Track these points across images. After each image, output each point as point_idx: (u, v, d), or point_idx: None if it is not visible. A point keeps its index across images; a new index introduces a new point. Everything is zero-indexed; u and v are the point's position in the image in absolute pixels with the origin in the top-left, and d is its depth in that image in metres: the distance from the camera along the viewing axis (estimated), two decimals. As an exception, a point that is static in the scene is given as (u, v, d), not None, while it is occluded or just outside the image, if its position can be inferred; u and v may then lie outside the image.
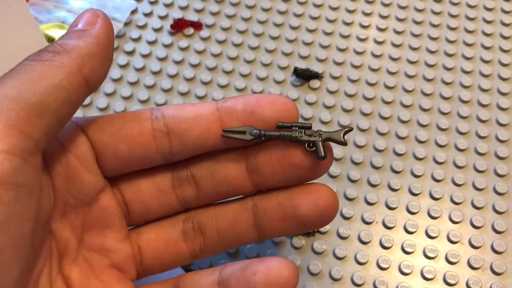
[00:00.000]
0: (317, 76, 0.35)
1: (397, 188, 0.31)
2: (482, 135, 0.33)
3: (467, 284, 0.29)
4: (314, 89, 0.35)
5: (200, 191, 0.23)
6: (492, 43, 0.37)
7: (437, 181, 0.32)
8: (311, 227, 0.23)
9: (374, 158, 0.32)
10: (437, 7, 0.38)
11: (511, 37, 0.37)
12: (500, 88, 0.35)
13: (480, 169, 0.32)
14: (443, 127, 0.33)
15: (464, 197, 0.31)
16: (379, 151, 0.33)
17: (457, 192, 0.31)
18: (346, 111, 0.34)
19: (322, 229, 0.30)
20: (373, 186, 0.32)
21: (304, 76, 0.35)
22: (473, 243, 0.30)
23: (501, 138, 0.33)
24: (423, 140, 0.33)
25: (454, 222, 0.30)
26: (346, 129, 0.22)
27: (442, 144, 0.33)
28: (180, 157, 0.22)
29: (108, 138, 0.21)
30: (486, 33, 0.37)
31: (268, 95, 0.22)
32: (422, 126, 0.34)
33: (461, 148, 0.33)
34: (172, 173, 0.23)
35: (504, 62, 0.36)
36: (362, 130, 0.33)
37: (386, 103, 0.35)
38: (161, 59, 0.37)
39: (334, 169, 0.32)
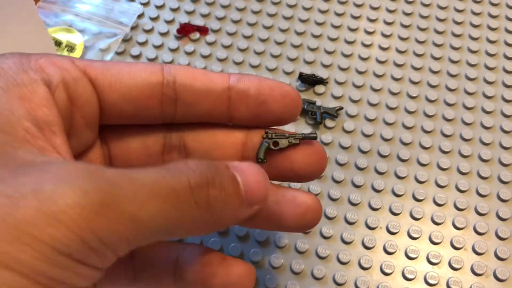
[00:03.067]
0: (322, 81, 0.36)
1: (401, 193, 0.32)
2: (486, 141, 0.33)
3: (470, 290, 0.29)
4: (319, 94, 0.35)
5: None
6: (497, 50, 0.37)
7: (441, 187, 0.32)
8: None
9: (378, 164, 0.32)
10: (441, 14, 0.39)
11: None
12: (504, 95, 0.35)
13: (483, 175, 0.32)
14: (447, 134, 0.34)
15: (467, 203, 0.31)
16: (383, 156, 0.33)
17: (461, 198, 0.31)
18: (351, 116, 0.34)
19: (325, 234, 0.30)
20: (377, 191, 0.32)
21: (309, 81, 0.35)
22: (477, 249, 0.30)
23: (505, 145, 0.33)
24: (427, 146, 0.33)
25: (457, 228, 0.31)
26: (338, 107, 0.34)
27: (446, 150, 0.33)
28: (179, 121, 0.22)
29: (117, 97, 0.20)
30: (490, 40, 0.38)
31: (280, 85, 0.22)
32: (426, 132, 0.34)
33: (465, 154, 0.33)
34: (164, 138, 0.23)
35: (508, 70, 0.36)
36: (367, 136, 0.34)
37: (391, 108, 0.35)
38: (168, 63, 0.37)
39: (338, 174, 0.32)
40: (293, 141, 0.23)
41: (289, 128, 0.34)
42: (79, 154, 0.21)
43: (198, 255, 0.21)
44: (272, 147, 0.22)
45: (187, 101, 0.21)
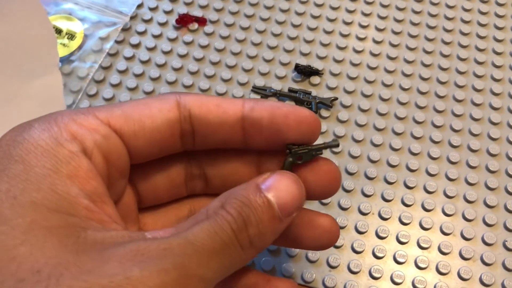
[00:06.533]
0: (317, 72, 0.36)
1: (393, 181, 0.33)
2: (475, 132, 0.34)
3: (458, 274, 0.30)
4: (314, 85, 0.36)
5: (209, 186, 0.24)
6: (486, 46, 0.38)
7: (431, 175, 0.33)
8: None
9: (371, 153, 0.33)
10: (433, 10, 0.40)
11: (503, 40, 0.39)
12: (492, 88, 0.36)
13: (472, 165, 0.33)
14: (438, 124, 0.35)
15: (457, 191, 0.32)
16: (376, 145, 0.34)
17: (450, 187, 0.32)
18: (345, 107, 0.35)
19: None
20: (370, 179, 0.33)
21: (305, 73, 0.36)
22: (465, 235, 0.31)
23: (493, 136, 0.34)
24: (419, 136, 0.34)
25: (447, 215, 0.32)
26: (333, 98, 0.35)
27: (436, 140, 0.34)
28: (198, 148, 0.23)
29: (143, 143, 0.21)
30: (480, 36, 0.39)
31: (296, 111, 0.21)
32: (418, 123, 0.35)
33: (454, 144, 0.34)
34: (186, 169, 0.24)
35: (497, 64, 0.37)
36: (360, 126, 0.35)
37: (384, 100, 0.36)
38: (166, 53, 0.38)
39: (334, 162, 0.33)
40: (316, 153, 0.22)
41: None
42: (115, 203, 0.21)
43: (244, 278, 0.22)
44: (297, 161, 0.22)
45: (203, 133, 0.22)
